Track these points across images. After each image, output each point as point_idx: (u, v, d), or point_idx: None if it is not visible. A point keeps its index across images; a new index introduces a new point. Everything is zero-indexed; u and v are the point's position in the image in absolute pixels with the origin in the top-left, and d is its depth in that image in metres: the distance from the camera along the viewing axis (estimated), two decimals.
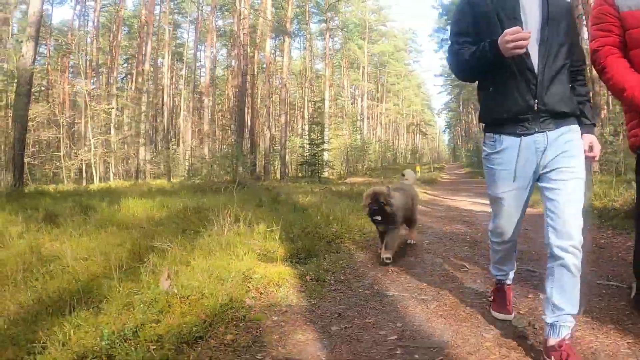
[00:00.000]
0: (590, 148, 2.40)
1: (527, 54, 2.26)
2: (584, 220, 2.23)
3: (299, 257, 4.09)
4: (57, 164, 19.53)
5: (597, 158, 2.46)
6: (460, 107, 60.74)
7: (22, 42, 11.70)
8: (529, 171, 2.39)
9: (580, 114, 2.43)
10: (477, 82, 2.58)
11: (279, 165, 23.78)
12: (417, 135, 67.24)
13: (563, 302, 2.20)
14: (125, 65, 32.33)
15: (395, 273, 3.87)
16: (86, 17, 29.88)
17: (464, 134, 64.65)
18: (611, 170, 10.29)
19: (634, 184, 3.27)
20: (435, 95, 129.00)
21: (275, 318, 2.76)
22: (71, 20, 29.12)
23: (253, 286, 3.12)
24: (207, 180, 16.29)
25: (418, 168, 26.30)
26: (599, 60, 2.66)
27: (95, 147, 17.60)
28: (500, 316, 2.79)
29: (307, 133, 26.03)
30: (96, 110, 17.96)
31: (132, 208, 6.24)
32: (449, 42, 2.62)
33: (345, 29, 37.91)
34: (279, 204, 7.34)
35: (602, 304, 2.88)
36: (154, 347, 2.17)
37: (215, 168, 20.24)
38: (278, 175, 22.80)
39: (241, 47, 18.27)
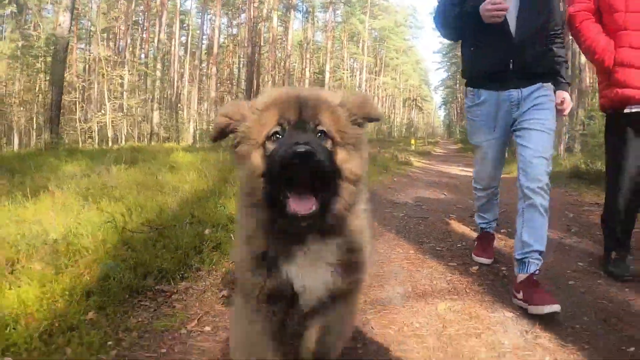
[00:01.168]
0: (562, 102, 2.63)
1: (506, 18, 2.47)
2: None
3: None
4: (73, 126, 20.48)
5: (566, 112, 2.71)
6: (457, 84, 61.41)
7: (58, 12, 12.68)
8: (505, 123, 2.65)
9: (556, 73, 2.65)
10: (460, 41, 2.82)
11: None
12: (414, 110, 68.25)
13: (532, 239, 2.39)
14: (130, 31, 33.01)
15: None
16: None
17: (459, 111, 65.39)
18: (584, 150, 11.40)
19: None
20: (433, 71, 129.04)
21: None
22: None
23: None
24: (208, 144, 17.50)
25: (413, 141, 27.53)
26: (575, 23, 2.86)
27: (110, 111, 18.63)
28: (481, 260, 3.07)
29: None
30: (112, 76, 18.98)
31: (182, 158, 7.62)
32: (438, 2, 2.82)
33: (348, 4, 38.48)
34: None
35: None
36: None
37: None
38: None
39: (251, 20, 19.29)
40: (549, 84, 2.60)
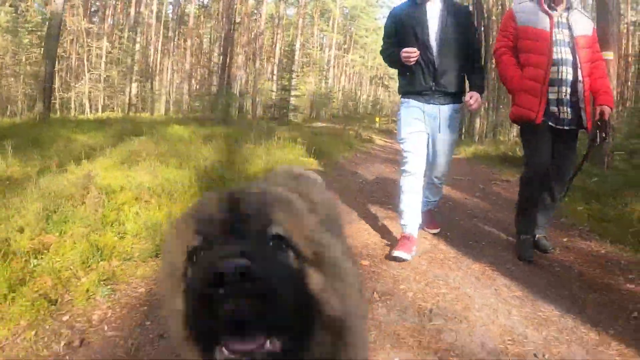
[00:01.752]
0: (470, 97, 3.41)
1: (430, 50, 3.33)
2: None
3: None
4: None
5: (474, 107, 3.46)
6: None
7: None
8: (426, 127, 3.45)
9: (473, 84, 3.56)
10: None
11: (251, 107, 25.95)
12: (380, 87, 69.87)
13: (431, 196, 3.81)
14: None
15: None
16: None
17: None
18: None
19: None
20: None
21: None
22: None
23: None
24: (188, 116, 18.49)
25: (377, 119, 29.05)
26: (497, 56, 3.64)
27: (88, 82, 19.30)
28: (431, 231, 4.03)
29: (276, 78, 28.11)
30: (91, 46, 19.57)
31: (181, 131, 8.95)
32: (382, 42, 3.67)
33: None
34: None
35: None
36: None
37: (197, 105, 22.29)
38: (249, 117, 24.97)
39: None
40: (459, 105, 3.55)
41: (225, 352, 0.66)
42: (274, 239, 0.73)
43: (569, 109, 3.36)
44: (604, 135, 3.41)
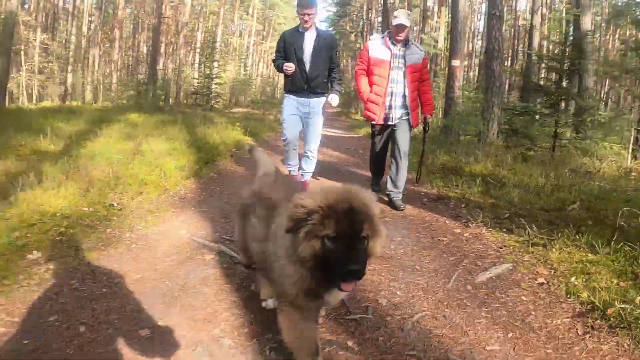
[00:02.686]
0: (331, 99, 5.24)
1: (304, 64, 5.11)
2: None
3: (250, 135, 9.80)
4: None
5: (334, 104, 5.30)
6: (342, 52, 65.92)
7: None
8: (300, 112, 5.26)
9: (332, 88, 5.32)
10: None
11: (175, 95, 27.32)
12: None
13: (305, 167, 5.53)
14: None
15: None
16: None
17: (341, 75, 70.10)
18: None
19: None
20: None
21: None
22: None
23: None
24: (120, 105, 19.88)
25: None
26: (356, 76, 5.22)
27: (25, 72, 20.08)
28: None
29: (197, 66, 29.40)
30: (28, 38, 20.29)
31: (139, 119, 11.24)
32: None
33: None
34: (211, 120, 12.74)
35: None
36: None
37: (125, 94, 23.44)
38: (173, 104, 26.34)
39: None
40: (324, 98, 5.31)
41: (341, 286, 1.66)
42: (363, 238, 1.67)
43: (398, 111, 5.02)
44: (427, 129, 5.59)
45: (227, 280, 3.10)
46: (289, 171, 5.57)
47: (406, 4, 28.02)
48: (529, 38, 16.79)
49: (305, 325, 2.00)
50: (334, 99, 5.26)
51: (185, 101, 26.24)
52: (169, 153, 6.66)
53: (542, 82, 9.74)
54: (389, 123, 5.08)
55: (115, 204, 4.46)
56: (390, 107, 5.03)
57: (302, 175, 5.51)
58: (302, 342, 2.00)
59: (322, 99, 5.32)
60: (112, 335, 2.38)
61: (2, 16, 14.50)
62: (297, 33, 5.26)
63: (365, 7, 41.93)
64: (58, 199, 4.08)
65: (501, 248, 3.86)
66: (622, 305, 2.58)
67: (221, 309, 2.72)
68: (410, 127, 5.14)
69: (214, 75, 21.86)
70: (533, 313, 2.76)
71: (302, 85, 5.22)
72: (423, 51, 5.25)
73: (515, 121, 9.06)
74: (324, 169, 7.05)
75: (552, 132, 8.56)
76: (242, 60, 43.11)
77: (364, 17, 43.30)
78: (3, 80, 14.22)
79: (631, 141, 8.17)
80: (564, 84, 9.11)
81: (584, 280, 3.05)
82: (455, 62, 10.50)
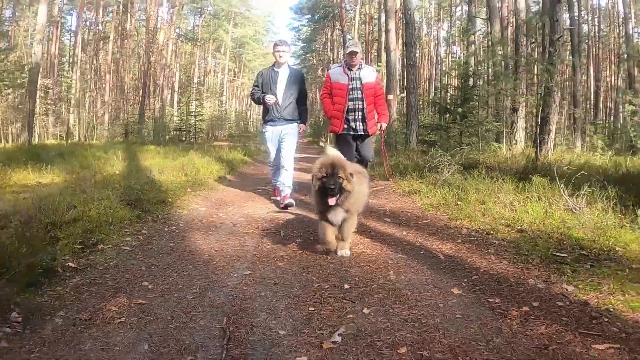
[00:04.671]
0: (300, 129, 6.23)
1: (278, 96, 6.03)
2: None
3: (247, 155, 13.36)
4: None
5: (301, 131, 6.19)
6: (310, 85, 69.61)
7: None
8: (276, 139, 6.14)
9: (300, 117, 6.20)
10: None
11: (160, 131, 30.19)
12: None
13: (282, 180, 6.07)
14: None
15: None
16: None
17: (310, 109, 73.29)
18: None
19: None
20: None
21: (230, 178, 12.03)
22: None
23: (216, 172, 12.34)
24: (117, 141, 22.83)
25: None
26: (322, 98, 6.18)
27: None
28: (274, 199, 6.47)
29: (177, 103, 32.13)
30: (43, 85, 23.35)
31: (152, 149, 14.65)
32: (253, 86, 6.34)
33: (217, 17, 44.65)
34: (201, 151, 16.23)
35: None
36: None
37: (116, 131, 26.44)
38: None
39: (148, 41, 25.57)
40: (296, 124, 6.18)
41: (329, 200, 3.59)
42: (339, 177, 3.57)
43: (359, 124, 6.01)
44: (385, 136, 6.91)
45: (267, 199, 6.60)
46: (275, 185, 6.51)
47: (364, 41, 32.40)
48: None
49: (325, 226, 3.78)
50: (302, 127, 6.42)
51: (170, 137, 28.74)
52: (207, 163, 10.19)
53: (448, 105, 13.57)
54: (352, 133, 6.12)
55: (205, 178, 8.50)
56: (354, 120, 6.07)
57: (281, 189, 6.23)
58: (323, 235, 3.79)
59: (294, 124, 6.27)
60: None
61: (29, 67, 17.55)
62: (272, 71, 6.18)
63: (329, 44, 46.26)
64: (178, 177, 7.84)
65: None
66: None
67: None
68: (369, 137, 6.21)
69: (194, 113, 23.35)
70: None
71: (276, 114, 6.11)
72: (375, 72, 6.26)
73: (431, 135, 12.98)
74: (303, 187, 7.82)
75: (458, 139, 12.35)
76: (218, 97, 46.50)
77: (328, 51, 47.57)
78: (31, 120, 17.39)
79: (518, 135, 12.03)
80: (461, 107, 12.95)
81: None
82: (390, 96, 14.42)
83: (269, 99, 6.02)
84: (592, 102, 26.89)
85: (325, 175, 3.51)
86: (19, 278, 2.81)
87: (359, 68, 5.96)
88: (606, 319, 2.53)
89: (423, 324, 2.60)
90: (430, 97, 28.85)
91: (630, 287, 2.88)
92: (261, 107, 6.41)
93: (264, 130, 6.34)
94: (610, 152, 10.20)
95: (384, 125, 6.20)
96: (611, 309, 2.65)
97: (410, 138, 12.90)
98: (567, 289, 3.01)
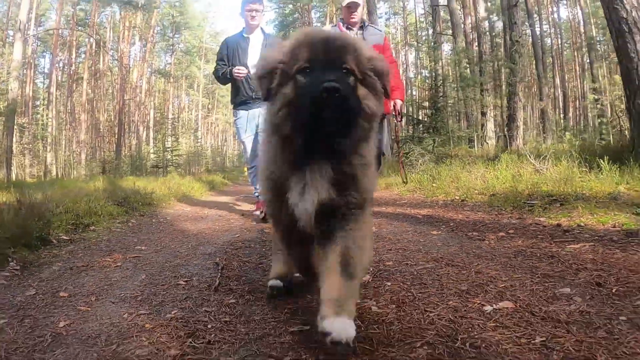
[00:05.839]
0: None
1: (250, 69, 4.41)
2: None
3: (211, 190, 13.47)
4: None
5: None
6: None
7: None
8: (252, 127, 4.63)
9: None
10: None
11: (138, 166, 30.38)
12: None
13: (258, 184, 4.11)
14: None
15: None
16: None
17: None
18: None
19: None
20: None
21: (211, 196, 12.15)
22: None
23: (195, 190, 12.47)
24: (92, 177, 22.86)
25: (245, 169, 34.66)
26: None
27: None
28: (256, 214, 5.04)
29: (152, 140, 32.21)
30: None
31: (143, 180, 14.67)
32: (216, 63, 4.81)
33: (189, 54, 45.23)
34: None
35: None
36: None
37: (94, 168, 26.39)
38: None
39: (122, 78, 25.77)
40: None
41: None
42: (345, 70, 1.39)
43: None
44: (400, 118, 4.44)
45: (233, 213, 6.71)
46: (257, 195, 4.96)
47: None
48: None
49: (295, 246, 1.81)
50: None
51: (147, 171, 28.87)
52: (189, 182, 10.29)
53: (420, 117, 14.01)
54: None
55: (187, 193, 8.48)
56: None
57: (258, 196, 4.88)
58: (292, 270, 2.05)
59: None
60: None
61: (5, 103, 17.45)
62: (241, 37, 4.78)
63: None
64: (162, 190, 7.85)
65: None
66: None
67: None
68: (383, 119, 4.41)
69: (170, 148, 22.89)
70: None
71: (249, 94, 4.63)
72: (382, 31, 4.65)
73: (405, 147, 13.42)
74: None
75: (431, 147, 12.76)
76: (193, 132, 46.64)
77: None
78: (9, 156, 17.11)
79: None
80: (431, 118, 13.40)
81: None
82: None
83: (239, 70, 4.55)
84: (561, 105, 27.89)
85: (308, 66, 1.42)
86: (15, 238, 2.89)
87: (362, 27, 4.35)
88: (578, 231, 2.78)
89: (406, 249, 2.78)
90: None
91: (598, 210, 3.14)
92: (229, 90, 4.95)
93: (235, 118, 4.86)
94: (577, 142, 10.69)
95: (399, 103, 4.32)
96: (582, 225, 2.89)
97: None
98: (539, 220, 3.24)
